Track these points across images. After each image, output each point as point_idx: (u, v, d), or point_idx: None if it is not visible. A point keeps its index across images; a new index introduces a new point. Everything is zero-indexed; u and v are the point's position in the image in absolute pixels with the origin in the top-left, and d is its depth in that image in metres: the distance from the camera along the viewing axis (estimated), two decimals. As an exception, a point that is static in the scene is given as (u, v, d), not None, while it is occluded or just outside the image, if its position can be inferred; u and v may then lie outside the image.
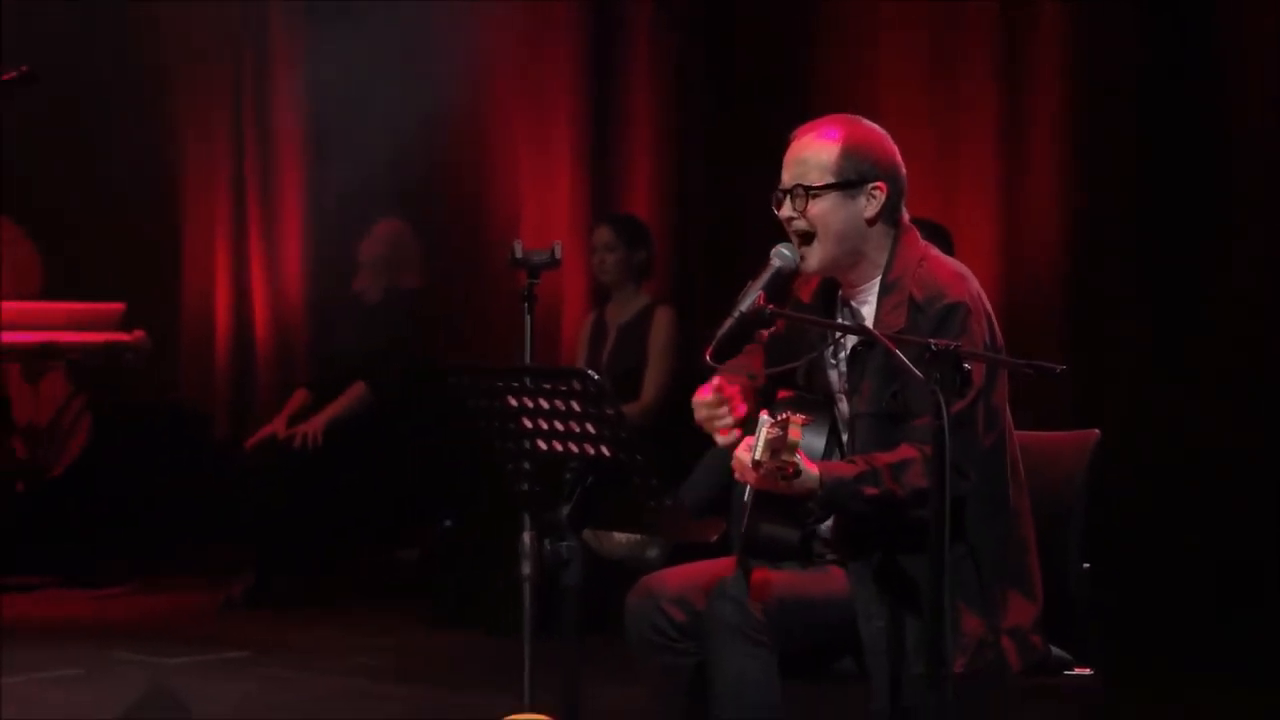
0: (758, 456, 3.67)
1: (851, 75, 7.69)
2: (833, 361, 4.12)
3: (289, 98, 9.60)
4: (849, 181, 3.99)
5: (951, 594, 3.81)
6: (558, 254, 4.55)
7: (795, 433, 3.66)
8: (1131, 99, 7.07)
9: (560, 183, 8.65)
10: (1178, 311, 6.97)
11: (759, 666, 3.86)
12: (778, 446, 3.65)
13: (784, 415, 3.66)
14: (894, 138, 4.11)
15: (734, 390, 4.03)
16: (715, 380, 4.00)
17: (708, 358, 3.87)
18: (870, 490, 3.83)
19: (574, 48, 8.61)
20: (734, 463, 3.91)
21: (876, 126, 4.10)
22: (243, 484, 8.27)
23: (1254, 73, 6.81)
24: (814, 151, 4.02)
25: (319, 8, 9.23)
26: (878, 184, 4.01)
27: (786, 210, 4.04)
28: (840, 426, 4.10)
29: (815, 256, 4.03)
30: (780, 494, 3.84)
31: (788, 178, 4.05)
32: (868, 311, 4.03)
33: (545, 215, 8.64)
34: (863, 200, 4.01)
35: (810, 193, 3.99)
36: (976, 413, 3.88)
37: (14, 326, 8.38)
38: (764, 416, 3.71)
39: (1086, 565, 4.17)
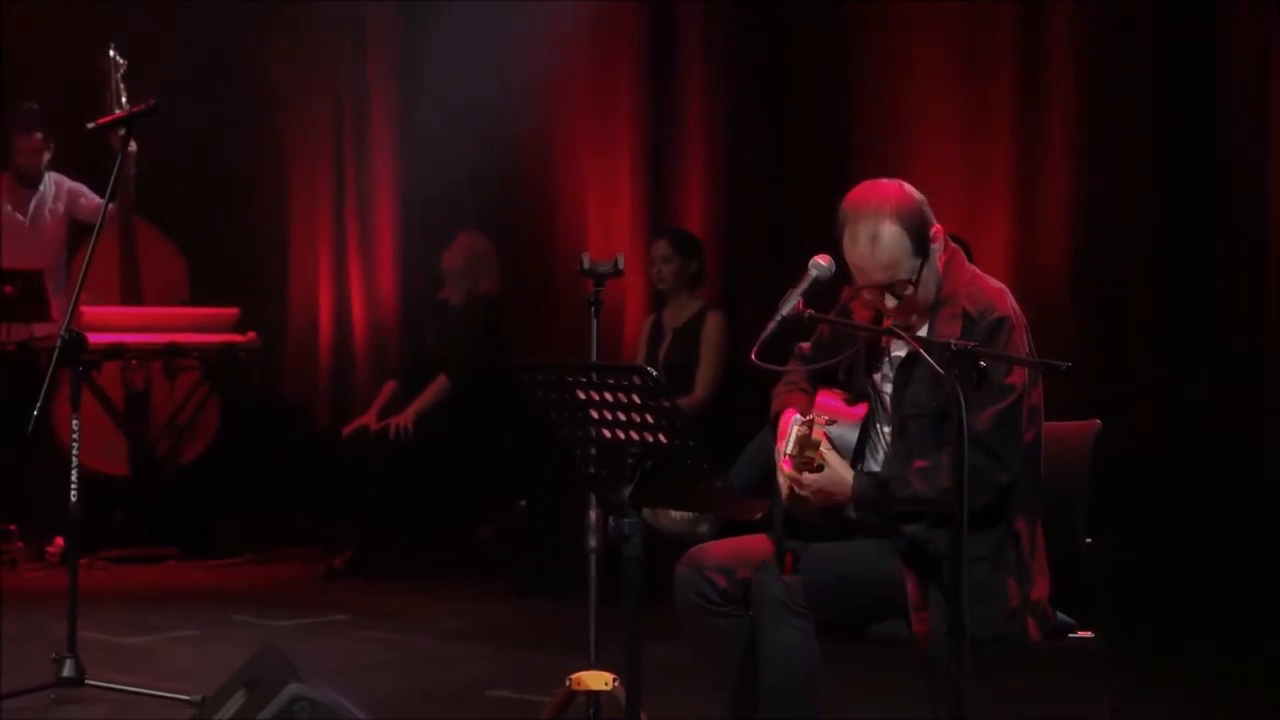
0: (788, 451, 3.69)
1: (886, 102, 7.69)
2: (880, 365, 4.09)
3: (384, 135, 9.64)
4: (923, 251, 3.93)
5: (996, 568, 3.86)
6: (620, 264, 4.55)
7: (818, 432, 3.68)
8: (1132, 121, 7.05)
9: (622, 202, 8.66)
10: (1175, 308, 6.96)
11: (800, 636, 3.88)
12: (804, 444, 3.67)
13: (810, 416, 3.68)
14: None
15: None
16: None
17: (752, 357, 3.86)
18: (900, 493, 3.85)
19: (634, 86, 8.63)
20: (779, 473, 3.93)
21: (894, 182, 4.01)
22: (343, 468, 8.31)
23: (1245, 76, 6.77)
24: (892, 247, 3.89)
25: (409, 54, 9.26)
26: (934, 229, 3.96)
27: (890, 302, 3.94)
28: (878, 421, 4.08)
29: (901, 305, 3.98)
30: (814, 504, 3.87)
31: (881, 278, 3.92)
32: (920, 323, 3.99)
33: (609, 230, 8.65)
34: (933, 249, 3.95)
35: (911, 282, 3.91)
36: (1018, 414, 3.88)
37: (144, 329, 8.45)
38: (796, 415, 3.72)
39: (1089, 540, 4.16)
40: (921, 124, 7.43)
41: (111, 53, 8.01)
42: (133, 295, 8.67)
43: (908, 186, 3.98)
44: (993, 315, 3.89)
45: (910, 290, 3.90)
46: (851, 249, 3.92)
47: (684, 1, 8.47)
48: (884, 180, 3.99)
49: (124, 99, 7.89)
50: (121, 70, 8.01)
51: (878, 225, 3.88)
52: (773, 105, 8.17)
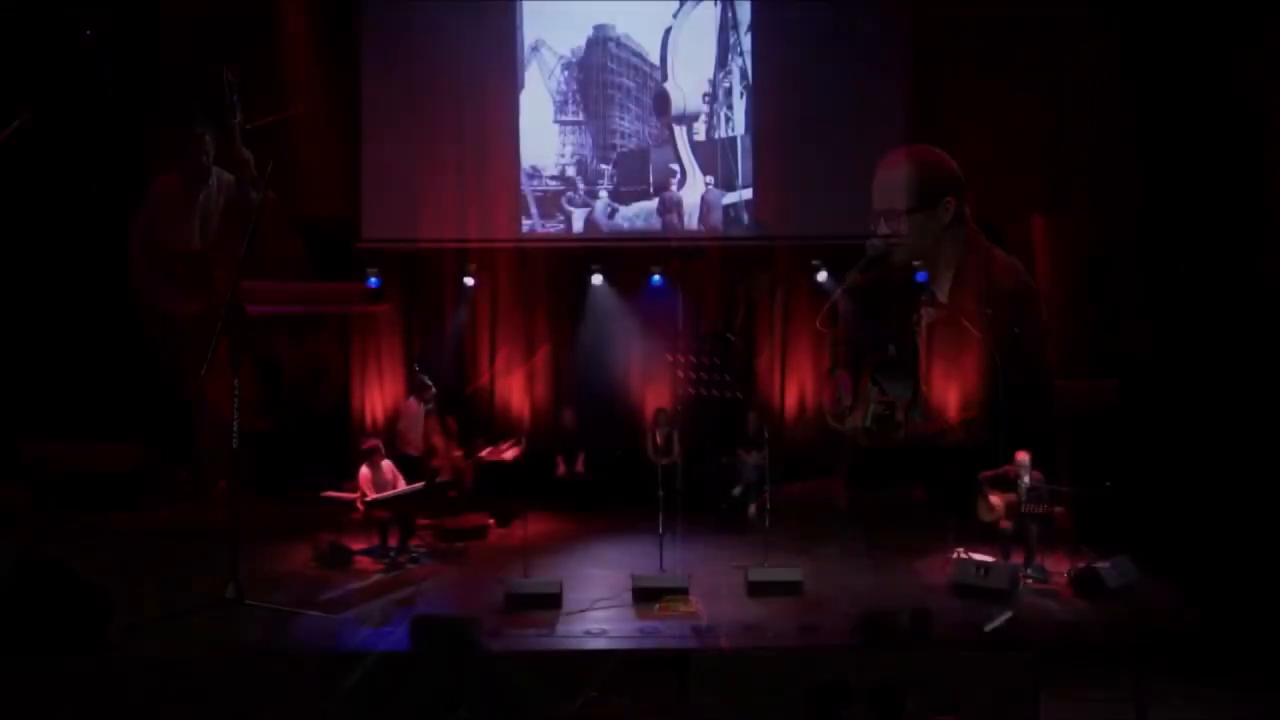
0: (868, 424, 3.65)
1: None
2: (920, 329, 4.08)
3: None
4: (926, 202, 3.93)
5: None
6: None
7: (901, 415, 3.63)
8: (1147, 132, 6.97)
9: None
10: (1181, 290, 6.88)
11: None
12: (885, 424, 3.63)
13: (890, 398, 3.64)
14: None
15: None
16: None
17: (819, 324, 3.87)
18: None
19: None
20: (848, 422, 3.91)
21: (937, 150, 4.02)
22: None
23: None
24: (895, 178, 3.96)
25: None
26: (948, 198, 3.94)
27: (882, 229, 3.99)
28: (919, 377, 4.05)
29: (901, 255, 4.02)
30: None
31: (879, 202, 4.01)
32: (942, 292, 3.98)
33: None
34: (937, 213, 3.94)
35: (900, 216, 3.94)
36: (1033, 376, 3.86)
37: (292, 301, 8.45)
38: (875, 392, 3.71)
39: (1108, 484, 4.13)
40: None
41: (226, 74, 8.16)
42: (253, 270, 8.65)
43: (951, 163, 4.04)
44: (1005, 291, 3.89)
45: (896, 225, 3.92)
46: (880, 168, 3.98)
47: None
48: (936, 149, 4.06)
49: (238, 112, 8.02)
50: (235, 88, 8.14)
51: (901, 160, 3.92)
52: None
